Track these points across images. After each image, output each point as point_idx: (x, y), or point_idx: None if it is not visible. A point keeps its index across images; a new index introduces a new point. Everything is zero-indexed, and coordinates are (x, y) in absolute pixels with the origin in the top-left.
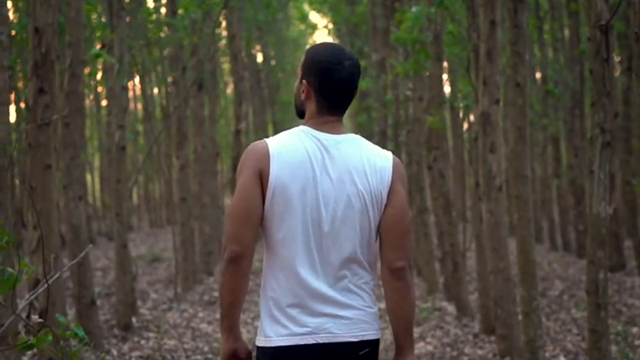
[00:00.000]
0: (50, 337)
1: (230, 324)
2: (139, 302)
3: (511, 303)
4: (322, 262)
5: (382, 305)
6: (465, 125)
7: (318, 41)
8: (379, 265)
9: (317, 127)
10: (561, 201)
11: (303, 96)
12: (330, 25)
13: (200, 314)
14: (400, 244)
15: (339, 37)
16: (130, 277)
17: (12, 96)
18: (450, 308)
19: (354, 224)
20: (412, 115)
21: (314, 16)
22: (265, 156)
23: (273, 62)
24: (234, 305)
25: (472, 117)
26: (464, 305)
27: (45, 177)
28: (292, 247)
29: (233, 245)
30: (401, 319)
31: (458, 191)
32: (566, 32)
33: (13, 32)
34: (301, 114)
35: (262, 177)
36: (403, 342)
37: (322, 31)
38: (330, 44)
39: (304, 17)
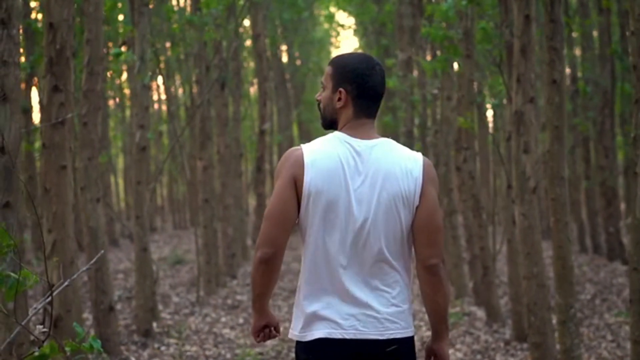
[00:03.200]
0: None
1: (260, 306)
2: (160, 306)
3: (545, 310)
4: (354, 262)
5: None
6: (491, 124)
7: (344, 41)
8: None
9: (352, 132)
10: (590, 203)
11: (339, 104)
12: (355, 25)
13: (223, 319)
14: (431, 242)
15: (365, 36)
16: (151, 281)
17: (37, 95)
18: (480, 313)
19: (386, 226)
20: (440, 115)
21: (340, 15)
22: (299, 163)
23: (298, 62)
24: (262, 295)
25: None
26: (494, 311)
27: (60, 178)
28: (326, 249)
29: (266, 247)
30: (436, 310)
31: (484, 193)
32: (594, 30)
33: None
34: (330, 124)
35: (296, 183)
36: (438, 328)
37: (348, 31)
38: (355, 52)
39: (330, 17)
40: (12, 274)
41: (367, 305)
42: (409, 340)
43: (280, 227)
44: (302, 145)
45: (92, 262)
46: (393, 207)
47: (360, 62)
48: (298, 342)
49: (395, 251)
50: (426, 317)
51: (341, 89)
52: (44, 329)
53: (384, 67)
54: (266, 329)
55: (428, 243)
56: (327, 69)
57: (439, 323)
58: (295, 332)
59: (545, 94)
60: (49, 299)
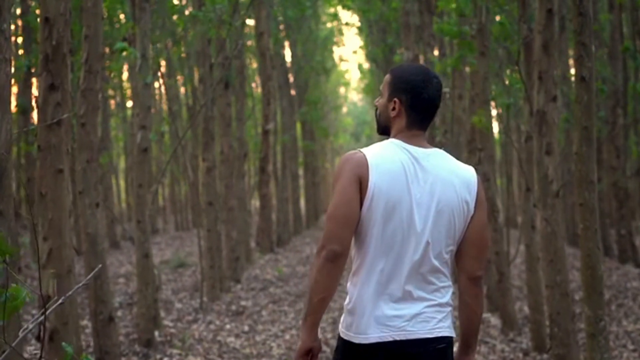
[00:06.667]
0: None
1: (314, 321)
2: (162, 313)
3: (569, 320)
4: (410, 266)
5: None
6: (497, 124)
7: (347, 40)
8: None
9: (407, 140)
10: (601, 204)
11: (393, 113)
12: (359, 23)
13: (228, 326)
14: (480, 255)
15: (370, 34)
16: (152, 288)
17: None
18: (494, 320)
19: (441, 232)
20: (450, 114)
21: (344, 14)
22: (364, 165)
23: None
24: (323, 302)
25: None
26: (510, 319)
27: (57, 182)
28: (384, 251)
29: (334, 244)
30: (473, 321)
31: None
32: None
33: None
34: (384, 130)
35: (361, 184)
36: (470, 340)
37: (351, 29)
38: (415, 64)
39: (335, 15)
40: (1, 289)
41: (417, 307)
42: (452, 340)
43: (345, 226)
44: (361, 149)
45: (87, 278)
46: (450, 215)
47: (417, 74)
48: (346, 342)
49: (446, 258)
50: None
51: (396, 99)
52: (35, 351)
53: (390, 67)
54: (310, 354)
55: (477, 256)
56: (386, 77)
57: (473, 334)
58: (346, 333)
59: (574, 92)
60: (42, 317)
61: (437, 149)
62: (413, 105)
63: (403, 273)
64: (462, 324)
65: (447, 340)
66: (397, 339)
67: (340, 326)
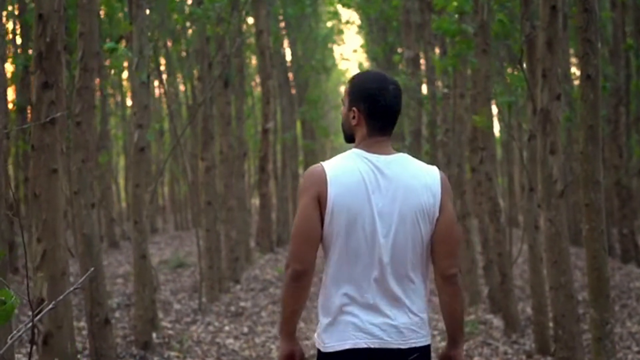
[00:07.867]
0: None
1: (289, 330)
2: (160, 314)
3: (574, 322)
4: (378, 276)
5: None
6: (497, 123)
7: (347, 38)
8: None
9: (369, 148)
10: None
11: (354, 122)
12: (359, 21)
13: (227, 328)
14: (450, 253)
15: (370, 33)
16: (150, 289)
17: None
18: (496, 321)
19: (407, 239)
20: (451, 113)
21: (344, 12)
22: (322, 180)
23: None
24: (294, 314)
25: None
26: (512, 320)
27: (51, 182)
28: (349, 263)
29: (296, 264)
30: (454, 318)
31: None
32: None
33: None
34: (350, 138)
35: (320, 200)
36: (455, 335)
37: (352, 28)
38: (372, 71)
39: (335, 14)
40: None
41: (389, 316)
42: (427, 348)
43: (307, 244)
44: (322, 163)
45: (79, 282)
46: (414, 220)
47: (372, 82)
48: (322, 353)
49: (415, 263)
50: (439, 325)
51: (354, 108)
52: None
53: (390, 65)
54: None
55: (447, 254)
56: (345, 86)
57: (456, 330)
58: (321, 342)
59: (580, 90)
60: (33, 322)
61: (400, 154)
62: (371, 114)
63: (372, 283)
64: (445, 321)
65: (421, 350)
66: (372, 346)
67: (315, 336)
